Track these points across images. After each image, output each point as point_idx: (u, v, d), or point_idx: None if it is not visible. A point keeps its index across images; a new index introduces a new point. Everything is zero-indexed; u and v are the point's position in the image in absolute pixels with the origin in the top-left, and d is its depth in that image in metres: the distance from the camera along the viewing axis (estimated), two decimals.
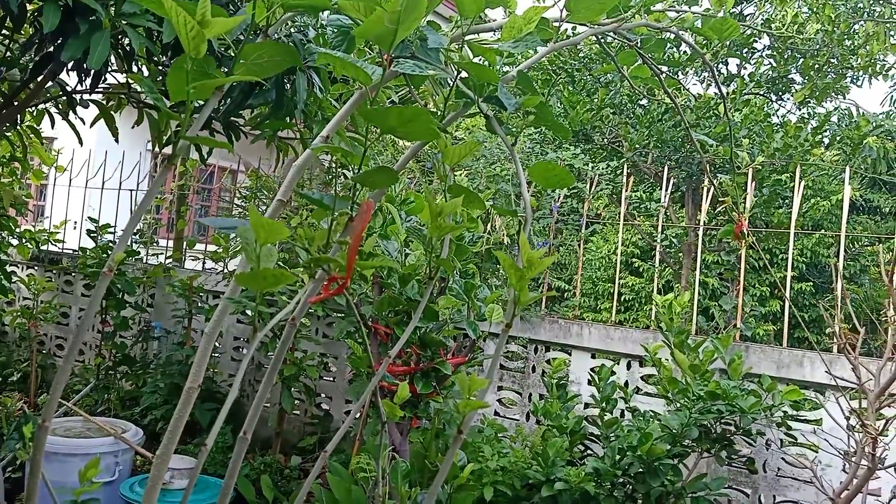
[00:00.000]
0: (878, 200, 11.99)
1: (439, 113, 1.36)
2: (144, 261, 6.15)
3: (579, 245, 4.90)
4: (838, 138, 5.68)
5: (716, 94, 5.36)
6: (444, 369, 2.73)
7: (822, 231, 8.31)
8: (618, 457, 3.09)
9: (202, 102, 1.23)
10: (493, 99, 1.24)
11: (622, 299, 11.00)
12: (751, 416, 3.16)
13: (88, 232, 5.82)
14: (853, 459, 2.75)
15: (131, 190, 6.52)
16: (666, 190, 4.13)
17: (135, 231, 6.17)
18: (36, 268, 6.78)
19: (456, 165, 1.48)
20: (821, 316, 10.25)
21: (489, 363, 3.05)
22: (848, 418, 3.00)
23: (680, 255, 6.33)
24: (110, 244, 5.75)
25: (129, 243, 5.88)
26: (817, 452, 3.41)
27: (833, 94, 7.36)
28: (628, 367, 4.08)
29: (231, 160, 6.59)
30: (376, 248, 2.69)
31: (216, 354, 5.37)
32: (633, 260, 11.14)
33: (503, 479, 3.43)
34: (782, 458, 3.66)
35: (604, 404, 3.32)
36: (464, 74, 1.32)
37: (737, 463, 3.58)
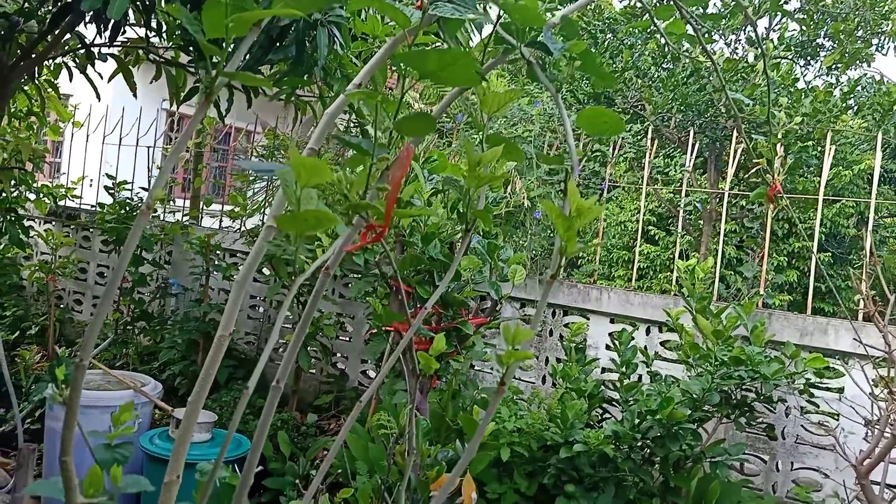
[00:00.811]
0: None
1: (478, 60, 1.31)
2: (161, 218, 6.15)
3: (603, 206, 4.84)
4: (867, 105, 5.55)
5: (742, 57, 5.23)
6: (465, 329, 2.71)
7: (847, 199, 8.18)
8: (637, 420, 3.08)
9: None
10: (536, 44, 1.19)
11: (637, 265, 10.95)
12: (773, 382, 3.13)
13: (106, 188, 5.81)
14: (877, 427, 2.72)
15: (148, 147, 6.49)
16: (690, 155, 4.06)
17: (145, 199, 6.16)
18: (53, 223, 6.80)
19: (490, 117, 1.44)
20: (838, 286, 10.18)
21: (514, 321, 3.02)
22: (874, 386, 2.97)
23: (700, 222, 6.26)
24: (128, 200, 5.75)
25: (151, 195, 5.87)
26: (838, 420, 3.39)
27: (858, 62, 7.19)
28: (647, 332, 4.05)
29: (247, 120, 6.54)
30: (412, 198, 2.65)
31: None
32: (649, 228, 11.07)
33: (520, 440, 3.43)
34: (801, 426, 3.64)
35: (623, 368, 3.30)
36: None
37: (756, 429, 3.57)
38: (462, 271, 2.71)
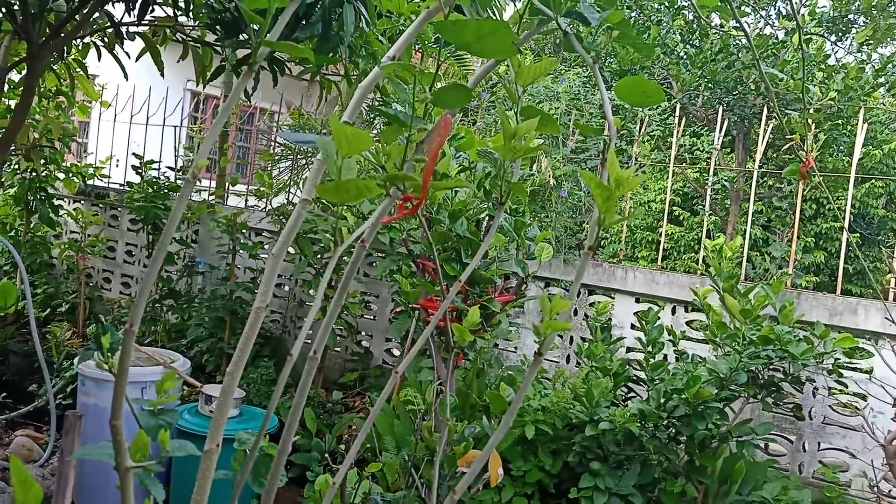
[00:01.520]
0: None
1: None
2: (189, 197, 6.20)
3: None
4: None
5: (772, 34, 5.14)
6: (492, 307, 2.71)
7: (878, 177, 8.04)
8: (663, 399, 3.08)
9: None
10: (573, 14, 1.18)
11: (661, 246, 10.86)
12: (801, 362, 3.11)
13: (134, 167, 5.87)
14: None
15: (175, 126, 6.54)
16: (719, 133, 4.01)
17: (177, 168, 6.22)
18: (82, 202, 6.89)
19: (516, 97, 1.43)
20: (868, 268, 10.04)
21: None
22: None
23: (727, 202, 6.19)
24: (155, 179, 5.80)
25: (172, 179, 5.93)
26: (866, 400, 3.36)
27: (890, 38, 7.03)
28: (673, 311, 4.03)
29: (271, 100, 6.56)
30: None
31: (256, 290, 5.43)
32: (674, 208, 10.97)
33: (545, 418, 3.45)
34: (829, 406, 3.61)
35: (650, 347, 3.29)
36: None
37: (782, 409, 3.55)
38: (489, 249, 2.71)
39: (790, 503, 3.07)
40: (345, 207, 3.97)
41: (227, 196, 6.37)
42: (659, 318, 3.42)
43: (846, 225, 3.37)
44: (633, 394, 3.60)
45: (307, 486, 3.92)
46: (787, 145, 2.83)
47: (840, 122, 5.42)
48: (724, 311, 3.35)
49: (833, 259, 9.59)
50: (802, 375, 3.28)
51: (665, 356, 3.47)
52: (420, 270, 2.87)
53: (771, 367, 3.26)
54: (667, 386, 3.07)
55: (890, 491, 3.20)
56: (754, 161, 3.92)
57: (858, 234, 10.16)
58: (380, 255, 5.04)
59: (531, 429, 3.36)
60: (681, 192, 10.69)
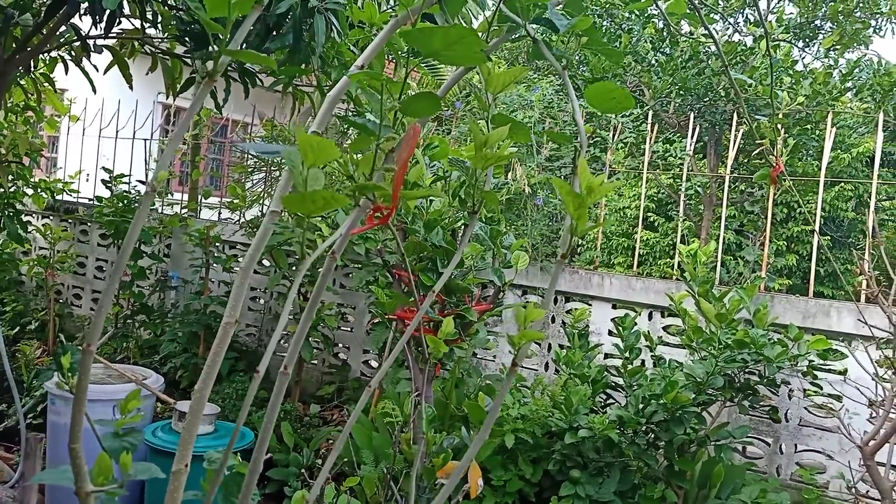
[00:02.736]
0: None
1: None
2: (160, 211, 6.12)
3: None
4: (868, 86, 5.53)
5: (740, 41, 5.20)
6: (469, 316, 2.70)
7: (848, 180, 8.16)
8: (641, 405, 3.08)
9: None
10: (542, 21, 1.18)
11: (636, 251, 10.92)
12: (777, 365, 3.13)
13: (103, 181, 5.79)
14: (882, 408, 2.72)
15: (145, 139, 6.46)
16: (691, 139, 4.04)
17: (148, 181, 6.14)
18: (51, 217, 6.77)
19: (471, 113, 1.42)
20: (838, 270, 10.18)
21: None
22: (878, 367, 2.97)
23: (700, 207, 6.24)
24: (125, 193, 5.72)
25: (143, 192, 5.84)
26: (842, 402, 3.39)
27: (855, 44, 7.15)
28: (650, 317, 4.05)
29: (244, 112, 6.51)
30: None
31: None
32: (648, 214, 11.04)
33: (524, 426, 3.43)
34: (805, 408, 3.64)
35: (627, 353, 3.30)
36: None
37: (759, 412, 3.57)
38: (464, 258, 2.70)
39: None
40: (319, 218, 3.96)
41: (200, 209, 6.30)
42: (636, 324, 3.42)
43: (817, 228, 3.40)
44: (611, 400, 3.60)
45: (285, 501, 3.87)
46: (758, 150, 2.85)
47: (809, 126, 5.50)
48: (699, 315, 3.37)
49: (805, 262, 9.71)
50: (778, 378, 3.30)
51: (643, 362, 3.48)
52: (396, 281, 2.85)
53: (747, 370, 3.27)
54: (645, 392, 3.07)
55: (867, 492, 3.23)
56: (726, 166, 3.95)
57: (829, 237, 10.31)
58: (356, 265, 5.01)
59: (511, 438, 3.34)
60: (655, 198, 10.77)
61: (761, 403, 3.39)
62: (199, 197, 6.31)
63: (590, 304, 4.20)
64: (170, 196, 6.64)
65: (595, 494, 3.08)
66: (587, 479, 3.09)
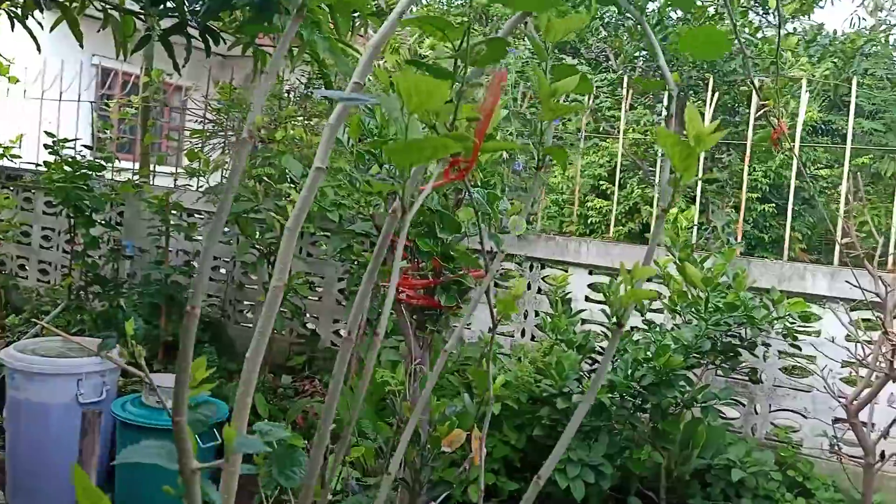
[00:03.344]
0: (838, 122, 12.11)
1: None
2: (110, 177, 5.85)
3: (580, 157, 4.80)
4: (830, 53, 5.64)
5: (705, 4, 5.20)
6: (467, 283, 2.64)
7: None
8: (631, 369, 3.09)
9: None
10: None
11: (588, 221, 11.01)
12: (758, 327, 3.18)
13: (46, 146, 5.47)
14: (868, 366, 2.78)
15: (91, 101, 6.14)
16: (667, 103, 4.03)
17: (95, 146, 5.86)
18: None
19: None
20: (780, 236, 10.49)
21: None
22: (858, 329, 3.04)
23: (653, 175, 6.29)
24: (73, 159, 5.43)
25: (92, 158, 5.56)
26: (815, 363, 3.47)
27: (798, 14, 7.27)
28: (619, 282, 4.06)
29: (197, 78, 6.25)
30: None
31: (192, 275, 5.18)
32: (601, 182, 11.12)
33: (509, 393, 3.42)
34: (779, 369, 3.72)
35: (614, 318, 3.28)
36: None
37: (737, 375, 3.63)
38: (461, 223, 2.63)
39: (754, 464, 3.15)
40: (289, 184, 3.76)
41: (154, 176, 6.04)
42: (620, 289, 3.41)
43: (792, 190, 3.45)
44: (596, 365, 3.60)
45: (260, 476, 3.78)
46: (761, 111, 2.85)
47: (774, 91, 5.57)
48: (682, 279, 3.39)
49: (755, 229, 9.95)
50: (758, 340, 3.36)
51: (632, 328, 3.49)
52: (389, 248, 2.76)
53: (728, 333, 3.32)
54: (634, 356, 3.08)
55: (840, 449, 3.32)
56: None
57: (774, 204, 10.58)
58: (323, 234, 4.89)
59: (497, 405, 3.32)
60: (608, 166, 10.85)
61: (742, 366, 3.45)
62: (153, 163, 6.05)
63: (566, 271, 4.19)
64: (117, 163, 6.35)
65: (587, 458, 3.09)
66: (577, 444, 3.09)
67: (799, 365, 3.75)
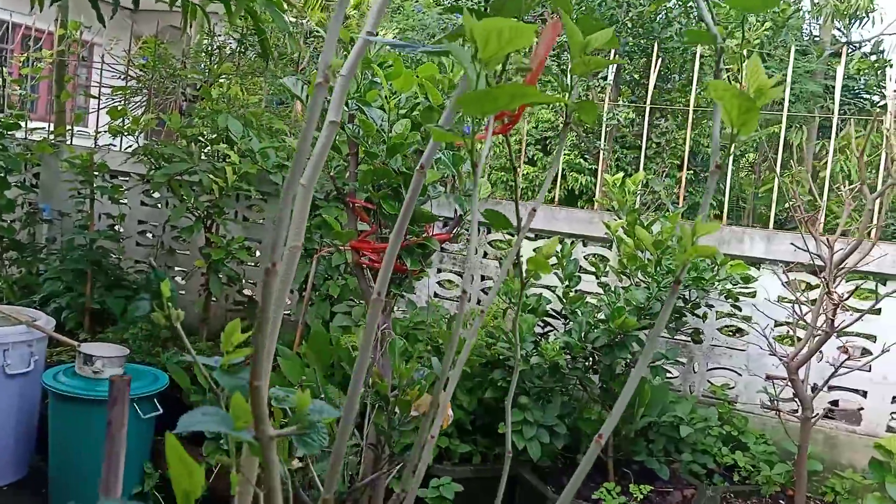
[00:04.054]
0: None
1: None
2: (25, 137, 5.48)
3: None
4: (762, 21, 5.80)
5: None
6: (431, 245, 2.60)
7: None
8: (584, 331, 3.14)
9: None
10: None
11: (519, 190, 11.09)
12: (704, 289, 3.29)
13: None
14: (809, 325, 2.92)
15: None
16: (612, 70, 4.07)
17: (2, 104, 5.47)
18: None
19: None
20: (697, 203, 10.89)
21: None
22: (797, 291, 3.18)
23: (598, 141, 6.38)
24: None
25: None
26: (750, 322, 3.62)
27: None
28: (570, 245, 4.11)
29: (113, 34, 5.88)
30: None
31: (123, 240, 4.94)
32: (528, 148, 11.22)
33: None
34: (717, 330, 3.87)
35: (567, 282, 3.33)
36: None
37: (678, 336, 3.75)
38: (425, 185, 2.59)
39: (700, 420, 3.27)
40: (226, 145, 3.60)
41: (72, 135, 5.69)
42: (572, 253, 3.46)
43: (730, 161, 3.55)
44: (548, 328, 3.65)
45: (205, 443, 3.67)
46: (724, 76, 2.89)
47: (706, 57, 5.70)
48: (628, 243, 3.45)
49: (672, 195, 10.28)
50: (702, 302, 3.47)
51: (583, 291, 3.54)
52: (350, 210, 2.69)
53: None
54: (588, 318, 3.13)
55: (778, 403, 3.49)
56: (646, 98, 4.04)
57: (692, 171, 10.95)
58: (261, 199, 4.74)
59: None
60: (534, 134, 10.95)
61: (684, 327, 3.56)
62: (70, 122, 5.69)
63: (513, 235, 4.20)
64: (29, 122, 5.95)
65: (541, 419, 3.13)
66: (532, 405, 3.13)
67: (734, 326, 3.90)
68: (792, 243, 3.29)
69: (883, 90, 11.79)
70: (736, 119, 0.92)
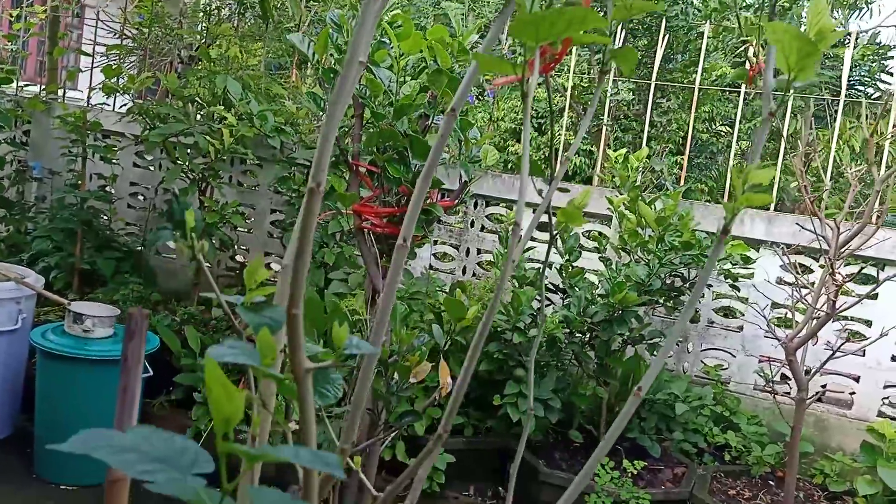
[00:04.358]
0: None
1: None
2: (15, 93, 5.36)
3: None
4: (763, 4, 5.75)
5: None
6: (435, 211, 2.56)
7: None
8: (583, 306, 3.11)
9: None
10: None
11: (508, 167, 11.06)
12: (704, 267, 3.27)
13: None
14: (808, 307, 2.91)
15: None
16: (616, 41, 4.02)
17: None
18: None
19: None
20: (690, 189, 10.90)
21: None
22: (797, 273, 3.17)
23: (602, 117, 6.32)
24: None
25: None
26: (747, 304, 3.61)
27: None
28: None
29: None
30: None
31: (114, 201, 4.85)
32: (518, 126, 11.16)
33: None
34: (712, 310, 3.86)
35: (568, 256, 3.31)
36: None
37: (674, 315, 3.74)
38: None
39: (695, 399, 3.27)
40: (222, 107, 3.51)
41: (64, 92, 5.57)
42: (574, 228, 3.42)
43: (734, 142, 3.53)
44: (547, 302, 3.62)
45: (195, 407, 3.63)
46: (743, 48, 2.85)
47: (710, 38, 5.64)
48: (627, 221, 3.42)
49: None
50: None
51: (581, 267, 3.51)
52: (354, 173, 2.63)
53: (673, 273, 3.40)
54: (587, 293, 3.11)
55: (771, 385, 3.50)
56: (651, 74, 3.99)
57: (693, 153, 10.93)
58: (254, 162, 4.66)
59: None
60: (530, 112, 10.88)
61: (683, 306, 3.55)
62: (63, 78, 5.57)
63: (511, 209, 4.17)
64: (22, 74, 5.82)
65: (536, 393, 3.12)
66: (528, 378, 3.11)
67: (726, 307, 3.89)
68: (797, 223, 3.28)
69: (878, 82, 11.81)
70: (794, 63, 0.87)
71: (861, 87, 12.99)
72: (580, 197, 1.14)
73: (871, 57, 10.32)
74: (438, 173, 2.95)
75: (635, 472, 3.12)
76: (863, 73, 11.78)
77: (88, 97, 5.26)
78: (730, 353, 3.83)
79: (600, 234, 4.04)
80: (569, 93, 4.59)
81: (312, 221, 0.66)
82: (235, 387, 0.57)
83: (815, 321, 2.91)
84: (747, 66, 2.33)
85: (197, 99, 4.19)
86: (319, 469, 0.53)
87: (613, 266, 3.23)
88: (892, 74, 10.73)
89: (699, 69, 3.86)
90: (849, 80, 12.53)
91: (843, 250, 2.90)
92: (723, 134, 11.74)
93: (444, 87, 2.45)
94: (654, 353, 3.26)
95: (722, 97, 9.52)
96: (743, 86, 4.09)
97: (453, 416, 0.92)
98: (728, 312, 3.88)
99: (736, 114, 10.93)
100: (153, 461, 0.50)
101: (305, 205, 0.69)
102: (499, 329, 3.19)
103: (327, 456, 0.54)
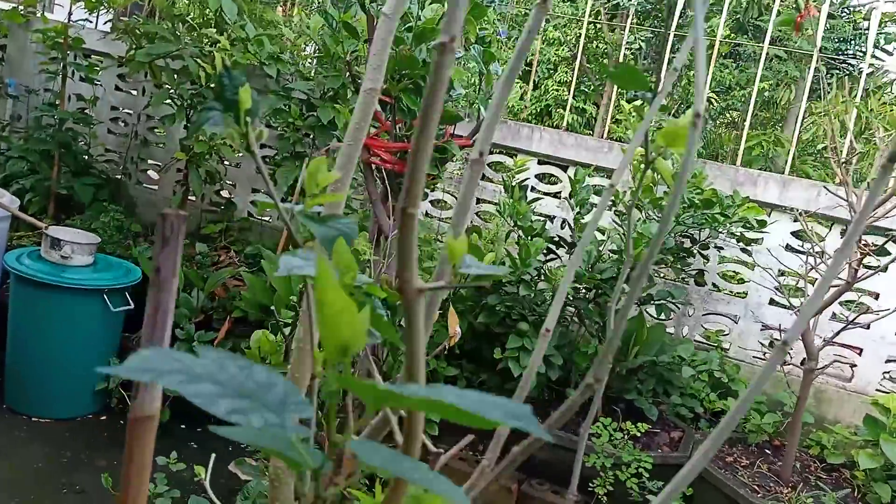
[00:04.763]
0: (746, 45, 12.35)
1: None
2: None
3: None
4: None
5: None
6: (451, 149, 2.38)
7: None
8: (593, 261, 2.98)
9: None
10: None
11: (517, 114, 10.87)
12: (717, 229, 3.14)
13: None
14: (823, 275, 2.80)
15: None
16: None
17: None
18: None
19: None
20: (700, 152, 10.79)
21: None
22: (813, 239, 3.06)
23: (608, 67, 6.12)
24: None
25: None
26: (753, 269, 3.51)
27: None
28: (575, 175, 3.93)
29: None
30: None
31: (93, 125, 4.58)
32: (517, 81, 10.92)
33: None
34: (717, 274, 3.75)
35: (579, 208, 3.15)
36: None
37: (682, 277, 3.63)
38: (452, 82, 2.35)
39: (700, 363, 3.17)
40: (215, 30, 3.24)
41: (44, 7, 5.23)
42: (586, 179, 3.27)
43: (751, 107, 3.37)
44: (551, 256, 3.47)
45: (177, 344, 3.47)
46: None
47: None
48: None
49: None
50: (710, 243, 3.34)
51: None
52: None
53: (683, 234, 3.27)
54: (597, 247, 2.97)
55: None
56: (672, 25, 3.80)
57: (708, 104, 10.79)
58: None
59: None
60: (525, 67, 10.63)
61: (690, 267, 3.43)
62: None
63: (514, 157, 3.99)
64: None
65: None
66: (533, 333, 2.98)
67: (730, 272, 3.79)
68: (825, 186, 3.15)
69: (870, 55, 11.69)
70: None
71: (854, 62, 12.87)
72: (685, 118, 0.97)
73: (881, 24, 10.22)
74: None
75: (640, 434, 3.03)
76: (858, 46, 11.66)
77: (70, 12, 4.94)
78: (731, 318, 3.74)
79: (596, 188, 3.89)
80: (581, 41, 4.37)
81: (438, 95, 0.49)
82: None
83: (831, 290, 2.80)
84: (796, 13, 2.14)
85: (187, 20, 3.92)
86: (510, 424, 0.39)
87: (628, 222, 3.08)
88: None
89: (806, 3, 3.57)
90: (843, 52, 12.41)
91: (868, 220, 2.78)
92: (713, 101, 11.60)
93: (470, 13, 2.26)
94: (662, 314, 3.14)
95: (716, 63, 9.36)
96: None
97: None
98: (729, 278, 3.78)
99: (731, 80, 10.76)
100: (239, 396, 0.34)
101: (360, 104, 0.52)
102: (503, 281, 3.05)
103: (516, 406, 0.39)
